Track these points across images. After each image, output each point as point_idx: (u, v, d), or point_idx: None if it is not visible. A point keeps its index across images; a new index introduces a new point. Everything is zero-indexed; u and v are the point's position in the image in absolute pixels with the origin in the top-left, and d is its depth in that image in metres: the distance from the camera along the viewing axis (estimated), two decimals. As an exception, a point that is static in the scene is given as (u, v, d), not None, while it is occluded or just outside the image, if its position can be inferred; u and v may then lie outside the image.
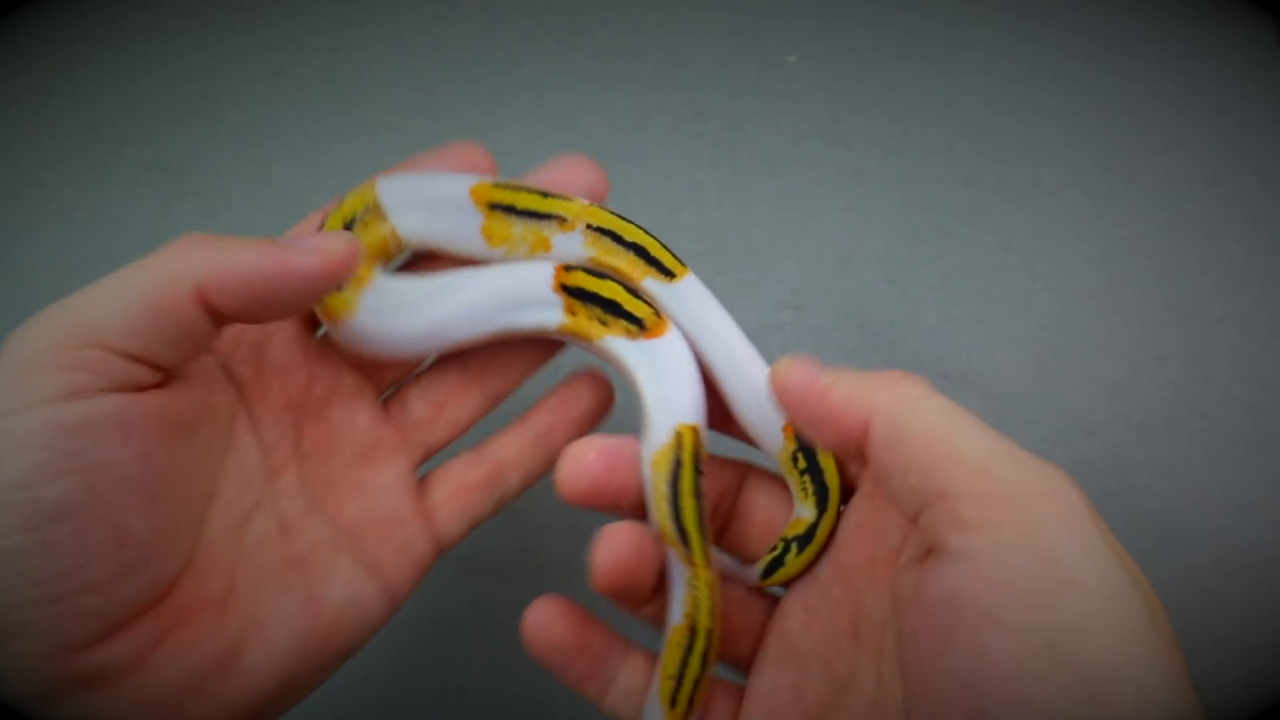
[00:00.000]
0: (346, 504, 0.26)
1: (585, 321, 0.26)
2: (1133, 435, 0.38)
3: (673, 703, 0.24)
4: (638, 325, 0.26)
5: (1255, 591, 0.35)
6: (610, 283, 0.26)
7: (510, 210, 0.26)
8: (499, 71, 0.45)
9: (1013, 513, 0.17)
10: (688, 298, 0.26)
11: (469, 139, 0.44)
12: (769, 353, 0.39)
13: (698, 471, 0.25)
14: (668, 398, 0.26)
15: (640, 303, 0.26)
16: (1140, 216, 0.41)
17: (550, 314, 0.26)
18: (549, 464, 0.27)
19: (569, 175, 0.27)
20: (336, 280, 0.22)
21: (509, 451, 0.28)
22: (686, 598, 0.25)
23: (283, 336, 0.26)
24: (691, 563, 0.24)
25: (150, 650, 0.21)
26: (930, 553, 0.19)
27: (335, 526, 0.25)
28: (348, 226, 0.26)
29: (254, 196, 0.42)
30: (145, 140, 0.44)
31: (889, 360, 0.39)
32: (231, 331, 0.25)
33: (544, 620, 0.25)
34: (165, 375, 0.21)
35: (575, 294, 0.26)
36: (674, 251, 0.27)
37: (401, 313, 0.26)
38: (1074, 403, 0.38)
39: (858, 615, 0.24)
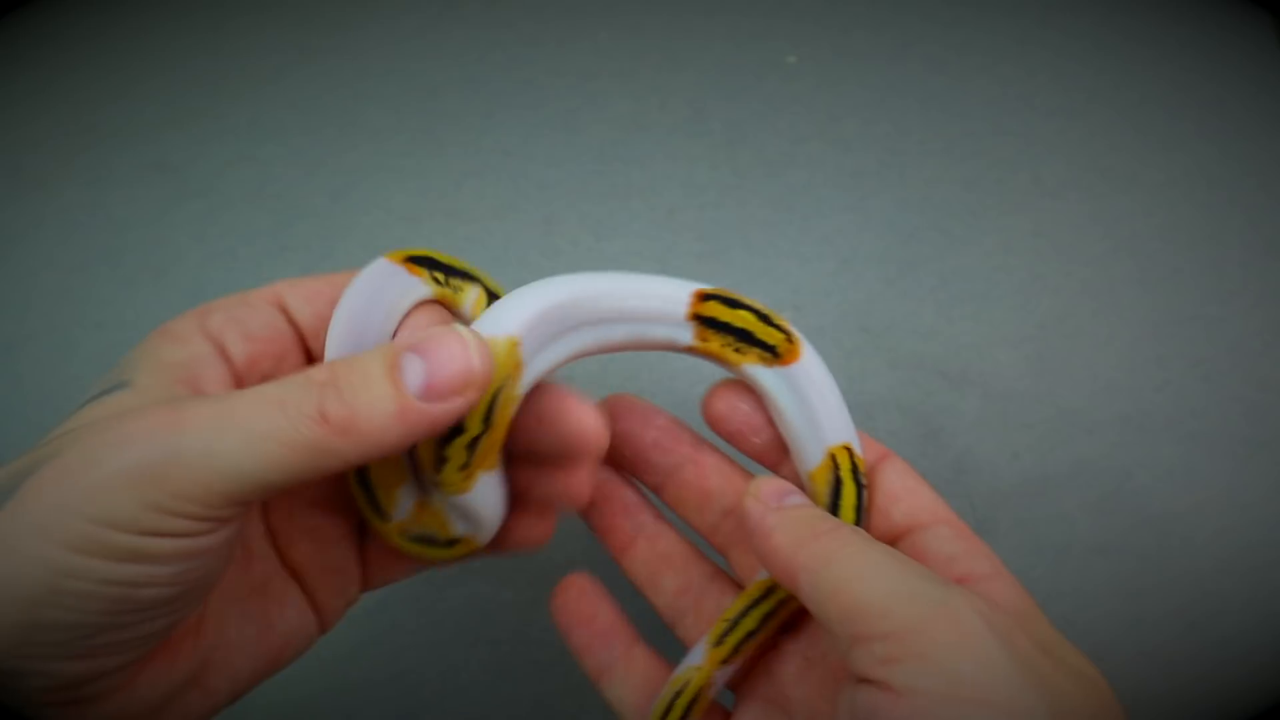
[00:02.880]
0: (299, 545, 0.26)
1: (719, 348, 0.26)
2: (1133, 435, 0.38)
3: (718, 641, 0.26)
4: (771, 353, 0.26)
5: (1256, 592, 0.35)
6: (743, 312, 0.26)
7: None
8: (499, 72, 0.45)
9: (915, 645, 0.20)
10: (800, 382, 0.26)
11: (470, 139, 0.44)
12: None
13: (859, 486, 0.26)
14: (813, 422, 0.26)
15: (773, 329, 0.26)
16: (1140, 217, 0.41)
17: (681, 335, 0.26)
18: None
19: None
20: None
21: None
22: None
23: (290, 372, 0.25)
24: None
25: (132, 678, 0.22)
26: (861, 680, 0.21)
27: (285, 562, 0.26)
28: (487, 418, 0.23)
29: (255, 197, 0.42)
30: (146, 141, 0.44)
31: (889, 360, 0.39)
32: (245, 358, 0.24)
33: (568, 588, 0.28)
34: None
35: (708, 324, 0.26)
36: (785, 325, 0.26)
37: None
38: (1074, 403, 0.38)
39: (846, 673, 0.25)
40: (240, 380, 0.24)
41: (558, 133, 0.44)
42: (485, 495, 0.25)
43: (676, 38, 0.46)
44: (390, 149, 0.43)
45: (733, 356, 0.26)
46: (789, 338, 0.26)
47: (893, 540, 0.26)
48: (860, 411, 0.38)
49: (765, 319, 0.26)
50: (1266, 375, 0.38)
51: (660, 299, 0.25)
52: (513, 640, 0.35)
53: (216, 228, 0.42)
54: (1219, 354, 0.39)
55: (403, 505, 0.25)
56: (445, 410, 0.21)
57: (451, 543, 0.26)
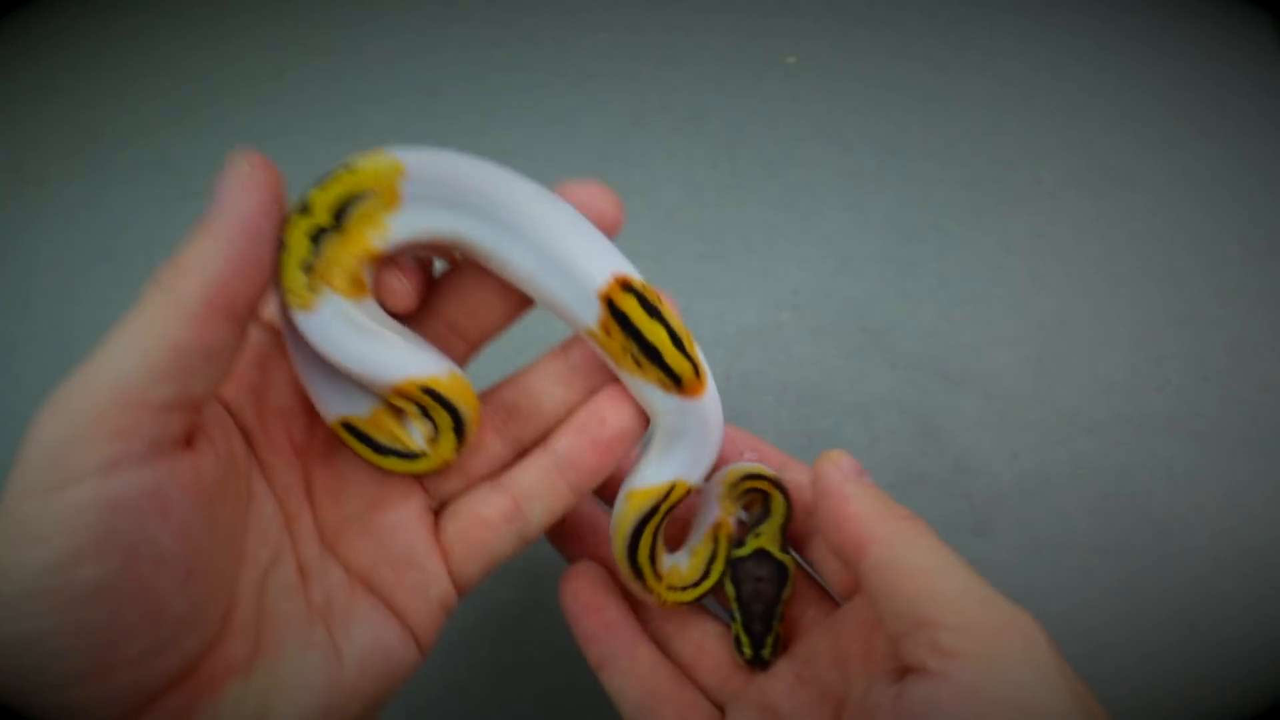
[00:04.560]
0: (358, 546, 0.25)
1: (618, 349, 0.23)
2: (1132, 435, 0.38)
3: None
4: (674, 382, 0.24)
5: (1255, 592, 0.35)
6: (659, 328, 0.23)
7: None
8: (499, 72, 0.45)
9: (984, 644, 0.21)
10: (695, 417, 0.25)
11: (470, 139, 0.44)
12: (769, 353, 0.39)
13: (665, 518, 0.26)
14: (683, 454, 0.25)
15: (683, 359, 0.23)
16: (1139, 217, 0.41)
17: (585, 312, 0.23)
18: (575, 495, 0.26)
19: (584, 200, 0.24)
20: (277, 211, 0.21)
21: (528, 481, 0.25)
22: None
23: (283, 380, 0.24)
24: (650, 591, 0.27)
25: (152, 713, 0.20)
26: (909, 671, 0.22)
27: (349, 570, 0.25)
28: (338, 215, 0.22)
29: (254, 197, 0.42)
30: (146, 140, 0.44)
31: (889, 360, 0.39)
32: (229, 376, 0.23)
33: (580, 575, 0.28)
34: (195, 424, 0.21)
35: (617, 317, 0.23)
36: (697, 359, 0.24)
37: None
38: (1073, 403, 0.38)
39: (843, 700, 0.25)
40: None
41: (558, 133, 0.44)
42: (343, 319, 0.22)
43: (676, 37, 0.46)
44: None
45: (630, 367, 0.23)
46: (697, 371, 0.24)
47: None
48: (860, 411, 0.38)
49: (679, 344, 0.23)
50: (1266, 375, 0.38)
51: (582, 256, 0.22)
52: (513, 640, 0.35)
53: (217, 228, 0.42)
54: (1219, 354, 0.39)
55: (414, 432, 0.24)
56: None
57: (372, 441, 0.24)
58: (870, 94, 0.44)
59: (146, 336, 0.19)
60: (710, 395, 0.24)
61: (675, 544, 0.29)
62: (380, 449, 0.24)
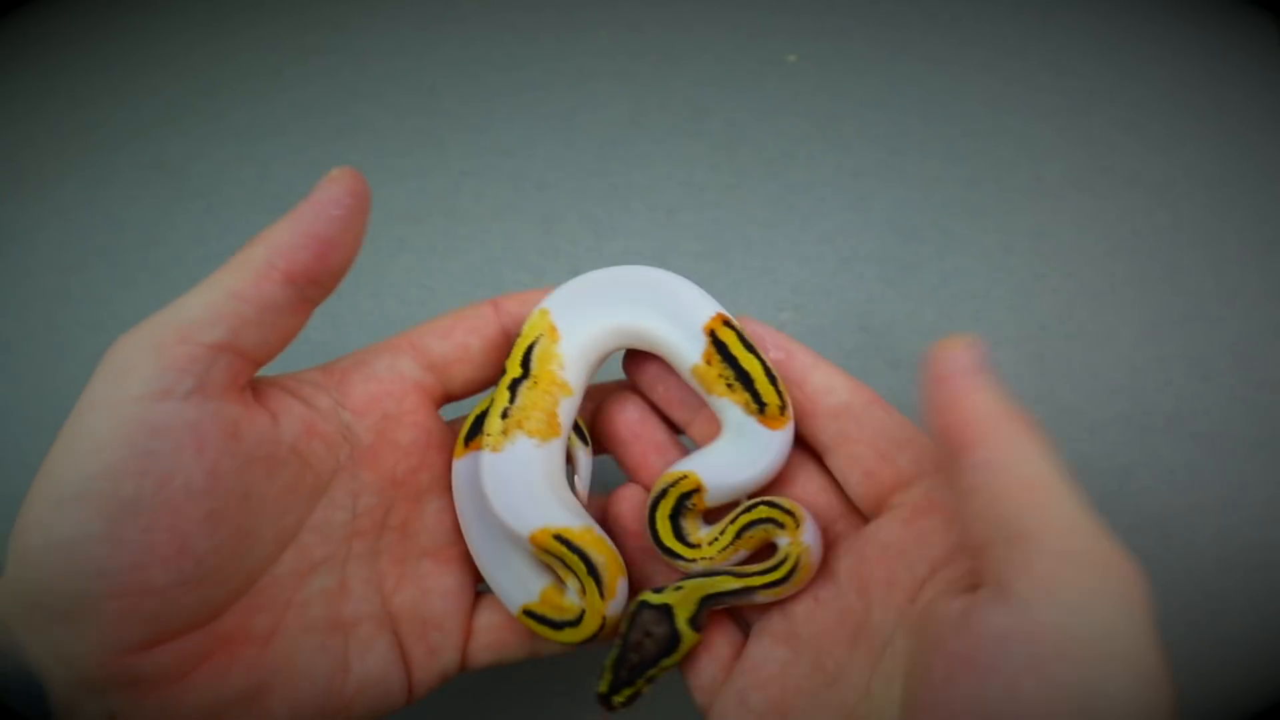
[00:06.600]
0: (403, 588, 0.27)
1: (715, 377, 0.26)
2: (1134, 435, 0.38)
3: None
4: (759, 408, 0.26)
5: (1256, 592, 0.35)
6: (754, 360, 0.26)
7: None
8: (498, 71, 0.45)
9: (1083, 577, 0.19)
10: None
11: (470, 139, 0.44)
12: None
13: (677, 505, 0.26)
14: (719, 457, 0.27)
15: (774, 390, 0.26)
16: (1141, 216, 0.41)
17: (692, 348, 0.27)
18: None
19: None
20: (360, 222, 0.24)
21: None
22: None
23: (413, 419, 0.27)
24: (691, 560, 0.27)
25: (190, 668, 0.22)
26: (984, 586, 0.20)
27: (386, 605, 0.26)
28: (525, 364, 0.27)
29: (253, 196, 0.42)
30: (145, 140, 0.44)
31: (889, 360, 0.39)
32: (367, 398, 0.26)
33: (627, 406, 0.29)
34: (246, 379, 0.23)
35: (718, 347, 0.26)
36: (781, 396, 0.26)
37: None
38: (1075, 403, 0.38)
39: (862, 625, 0.24)
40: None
41: (557, 132, 0.44)
42: (516, 466, 0.25)
43: (676, 37, 0.46)
44: (389, 148, 0.43)
45: (721, 390, 0.26)
46: (783, 407, 0.26)
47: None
48: (860, 411, 0.38)
49: (773, 379, 0.26)
50: (1267, 375, 0.38)
51: (689, 301, 0.27)
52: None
53: (215, 227, 0.42)
54: (1220, 354, 0.39)
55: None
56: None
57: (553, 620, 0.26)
58: (871, 93, 0.44)
59: (212, 286, 0.22)
60: (785, 435, 0.26)
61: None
62: (556, 625, 0.26)
